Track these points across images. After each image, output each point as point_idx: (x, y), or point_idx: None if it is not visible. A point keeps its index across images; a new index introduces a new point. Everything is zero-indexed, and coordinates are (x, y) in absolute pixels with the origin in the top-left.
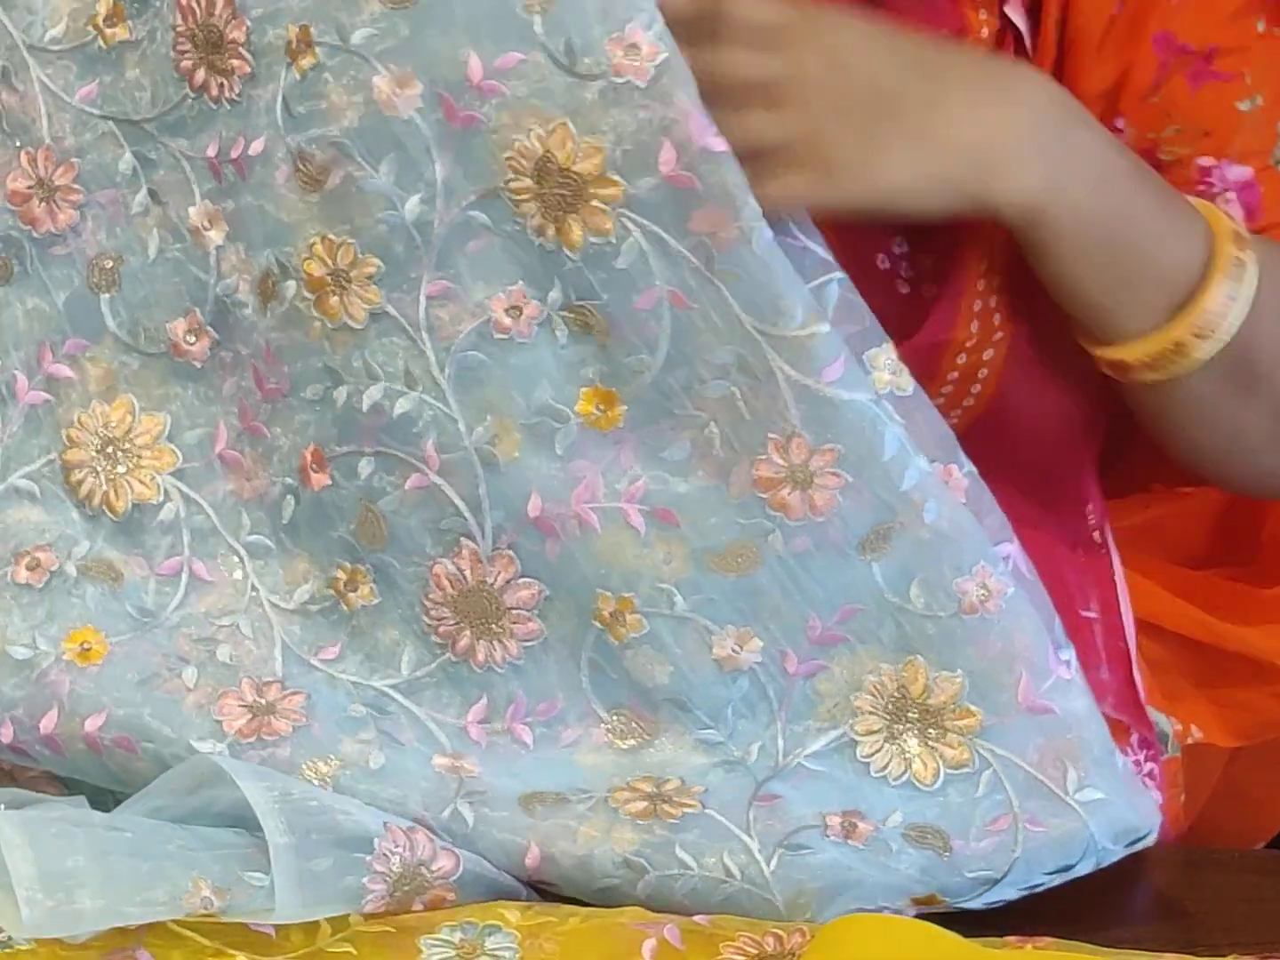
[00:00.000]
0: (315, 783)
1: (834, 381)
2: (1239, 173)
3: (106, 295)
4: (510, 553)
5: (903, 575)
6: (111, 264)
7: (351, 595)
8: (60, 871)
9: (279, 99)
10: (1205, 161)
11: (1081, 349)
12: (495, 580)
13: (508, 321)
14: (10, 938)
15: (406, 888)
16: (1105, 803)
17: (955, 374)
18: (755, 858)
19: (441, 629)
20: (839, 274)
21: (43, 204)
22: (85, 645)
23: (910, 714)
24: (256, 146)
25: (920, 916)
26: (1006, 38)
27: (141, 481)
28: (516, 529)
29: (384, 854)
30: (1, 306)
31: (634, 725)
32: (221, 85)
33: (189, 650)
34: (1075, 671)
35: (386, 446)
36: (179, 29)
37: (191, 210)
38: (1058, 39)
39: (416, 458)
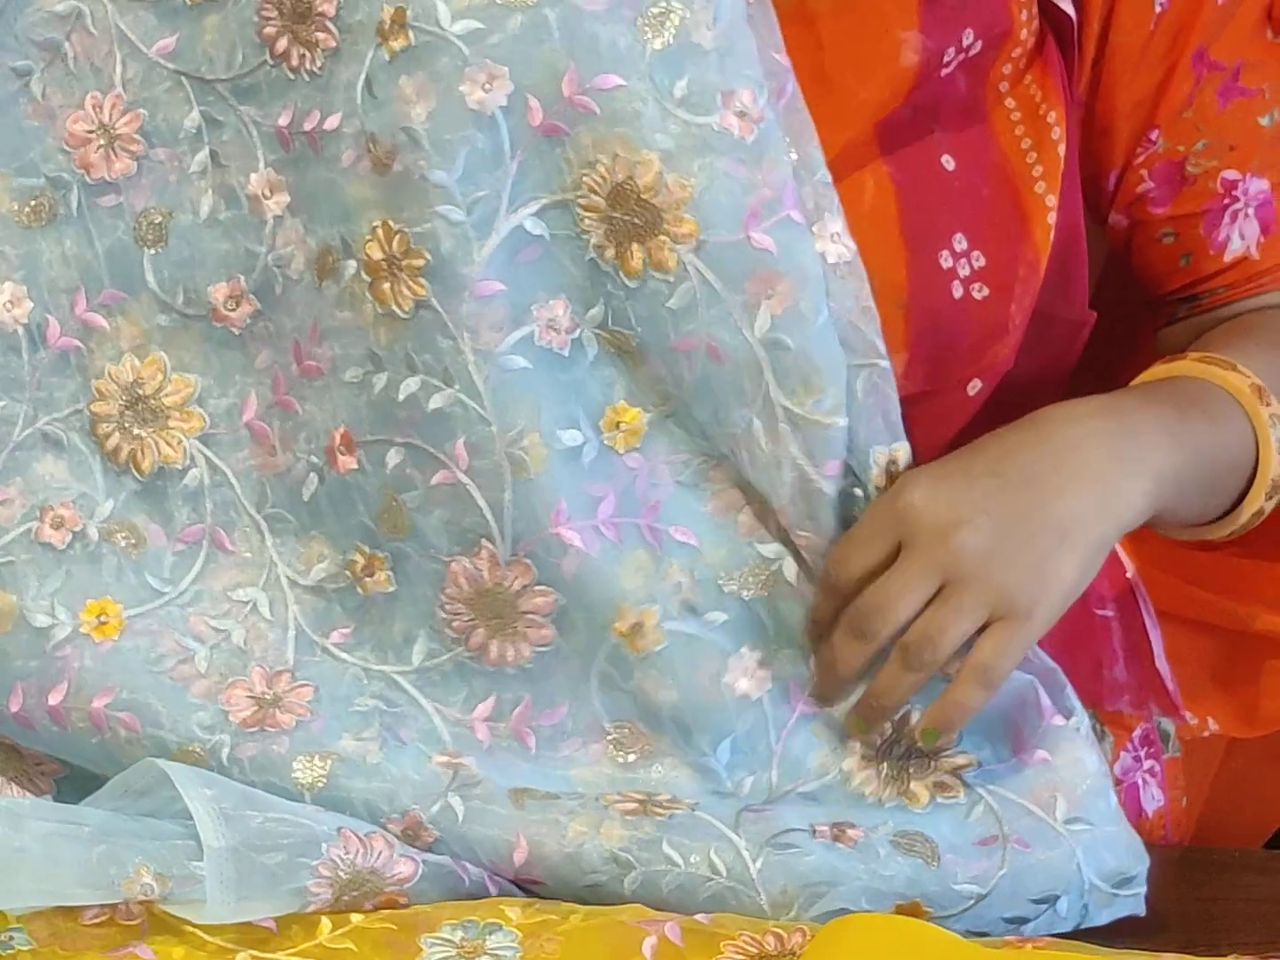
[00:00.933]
0: (306, 780)
1: (831, 476)
2: (1258, 187)
3: (151, 251)
4: (528, 561)
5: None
6: (160, 219)
7: (368, 580)
8: (1, 855)
9: (361, 78)
10: (1231, 175)
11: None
12: (512, 584)
13: (549, 332)
14: (11, 938)
15: (355, 892)
16: (1094, 835)
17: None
18: (742, 855)
19: (456, 623)
20: (883, 362)
21: (100, 150)
22: (103, 618)
23: (906, 756)
24: (332, 122)
25: None
26: (1046, 39)
27: (168, 443)
28: (537, 539)
29: (332, 859)
30: (39, 248)
31: (636, 740)
32: (303, 56)
33: (203, 632)
34: (1077, 721)
35: (417, 439)
36: None
37: (253, 177)
38: (1096, 50)
39: (445, 454)
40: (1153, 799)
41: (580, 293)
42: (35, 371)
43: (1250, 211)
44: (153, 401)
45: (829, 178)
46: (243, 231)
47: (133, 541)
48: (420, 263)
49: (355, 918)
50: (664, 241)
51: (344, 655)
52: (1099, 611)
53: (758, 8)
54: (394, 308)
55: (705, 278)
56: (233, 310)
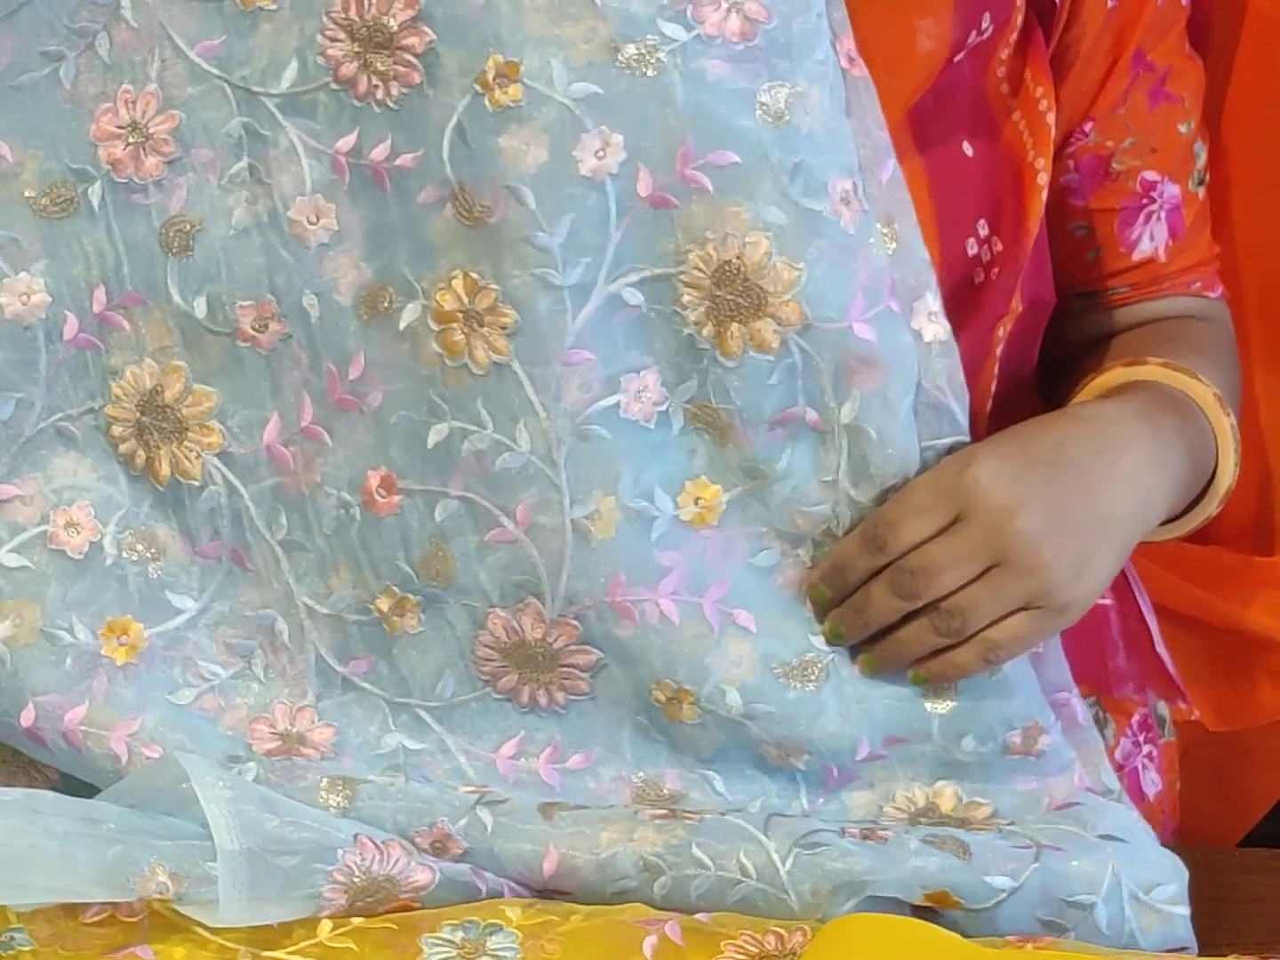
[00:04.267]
0: (335, 802)
1: None
2: (1171, 191)
3: (176, 259)
4: (576, 622)
5: (959, 726)
6: (189, 227)
7: (396, 619)
8: (14, 850)
9: (452, 122)
10: (1150, 176)
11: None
12: (555, 641)
13: (635, 404)
14: (12, 938)
15: (369, 899)
16: (1127, 846)
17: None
18: (772, 857)
19: (487, 668)
20: (965, 437)
21: (129, 148)
22: (123, 639)
23: (939, 823)
24: (407, 160)
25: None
26: (1030, 18)
27: (186, 458)
28: (591, 604)
29: (347, 865)
30: (58, 240)
31: (662, 796)
32: (375, 86)
33: (226, 658)
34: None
35: (476, 494)
36: (334, 13)
37: (300, 200)
38: (1059, 38)
39: (506, 513)
40: (1152, 783)
41: (673, 366)
42: (51, 367)
43: (1163, 215)
44: (171, 411)
45: (928, 255)
46: (279, 252)
47: (152, 553)
48: (507, 321)
49: (356, 918)
50: (768, 324)
51: (366, 685)
52: (1099, 601)
53: (862, 82)
54: (467, 361)
55: (808, 357)
56: (260, 331)
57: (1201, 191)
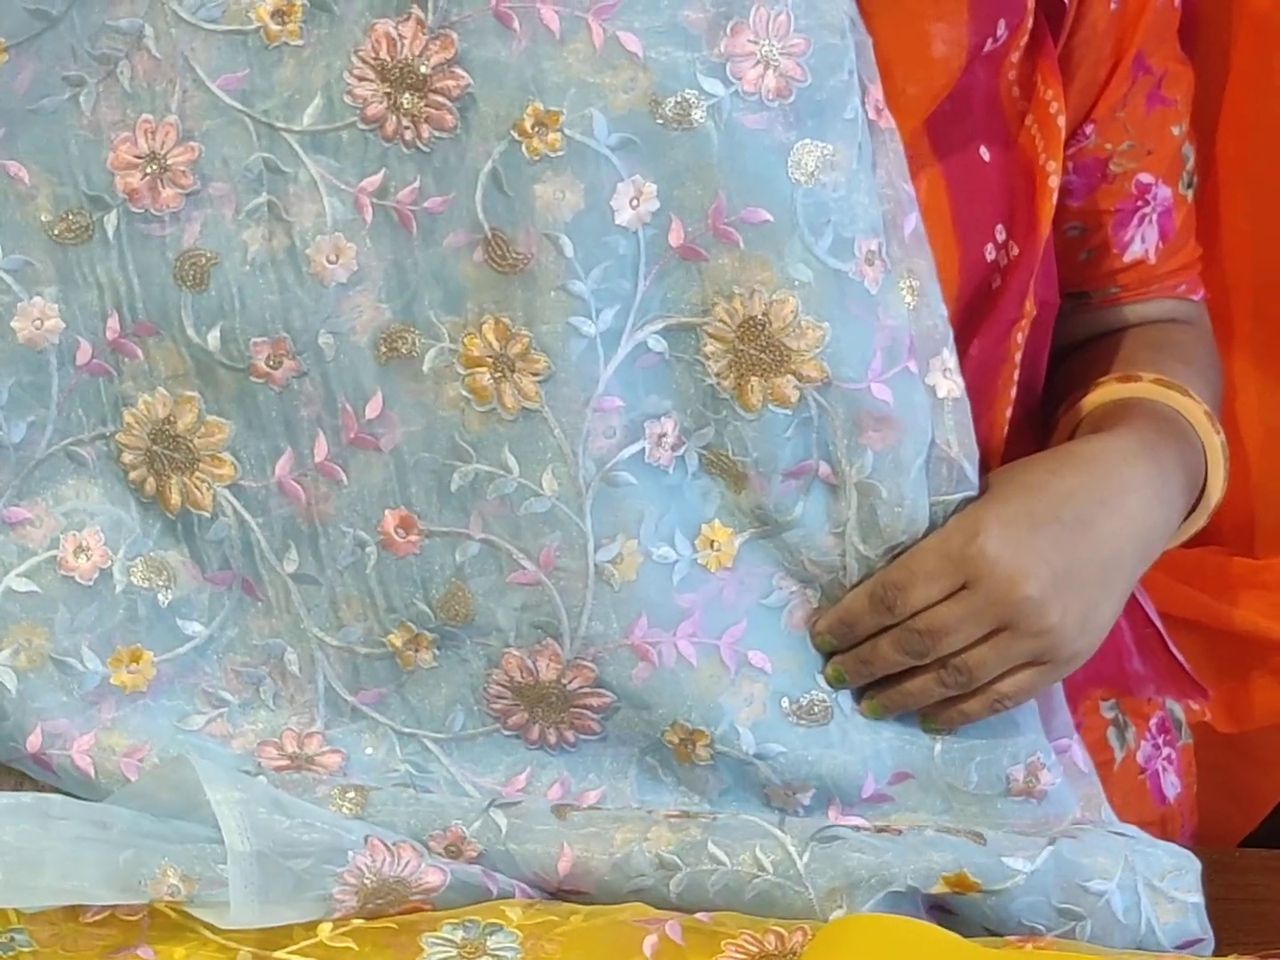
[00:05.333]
0: (346, 809)
1: None
2: (1164, 194)
3: (190, 293)
4: (592, 665)
5: (963, 758)
6: (205, 261)
7: (410, 654)
8: (26, 853)
9: (487, 167)
10: (1145, 179)
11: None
12: (569, 683)
13: (657, 449)
14: (12, 939)
15: (380, 900)
16: (1139, 840)
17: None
18: (789, 851)
19: (498, 705)
20: (973, 491)
21: (146, 178)
22: (132, 667)
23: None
24: (436, 203)
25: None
26: (1039, 20)
27: (198, 489)
28: (609, 647)
29: (358, 868)
30: (72, 266)
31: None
32: (405, 128)
33: (235, 685)
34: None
35: (498, 536)
36: (363, 52)
37: (320, 238)
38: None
39: (529, 555)
40: (1172, 786)
41: (693, 412)
42: (62, 392)
43: (1155, 217)
44: (183, 441)
45: (945, 312)
46: (295, 290)
47: (163, 580)
48: (539, 367)
49: (357, 919)
50: (788, 380)
51: (375, 714)
52: None
53: (888, 132)
54: (495, 406)
55: (824, 413)
56: (274, 368)
57: (1190, 194)
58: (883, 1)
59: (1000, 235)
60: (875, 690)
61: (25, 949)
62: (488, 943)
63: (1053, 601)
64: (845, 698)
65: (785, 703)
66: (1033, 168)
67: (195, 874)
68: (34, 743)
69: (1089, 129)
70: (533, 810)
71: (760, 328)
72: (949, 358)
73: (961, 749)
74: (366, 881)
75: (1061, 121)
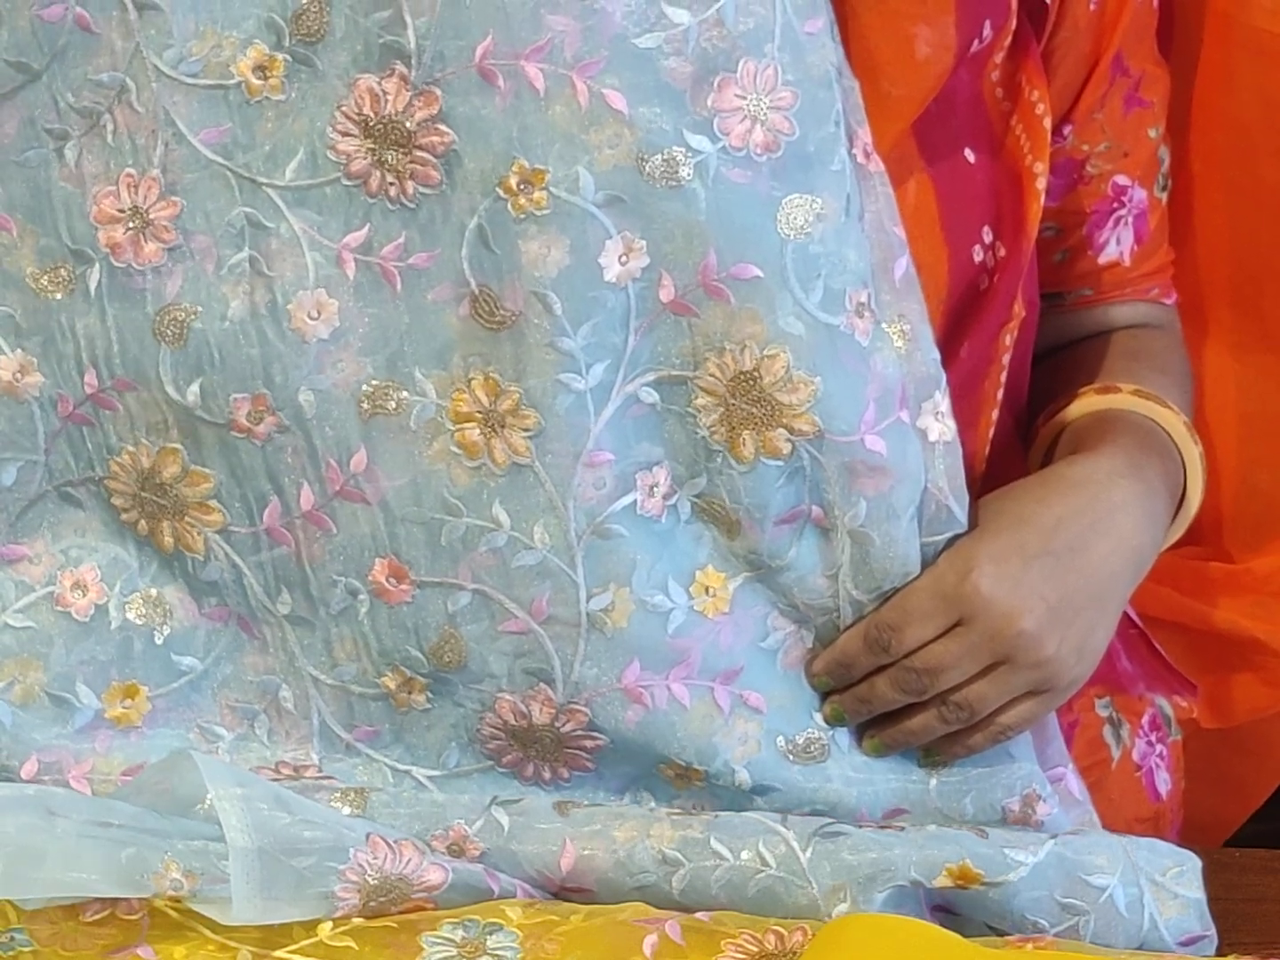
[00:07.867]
0: (347, 811)
1: None
2: (1140, 196)
3: (169, 348)
4: (585, 709)
5: (958, 792)
6: (184, 316)
7: (404, 696)
8: (28, 846)
9: (472, 224)
10: (1122, 181)
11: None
12: (562, 726)
13: (649, 500)
14: (12, 938)
15: (382, 898)
16: (1138, 838)
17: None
18: (792, 846)
19: (492, 745)
20: (961, 529)
21: (129, 233)
22: (126, 703)
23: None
24: (421, 259)
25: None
26: (1021, 20)
27: (188, 533)
28: (602, 692)
29: (359, 865)
30: (51, 320)
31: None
32: (390, 184)
33: (229, 720)
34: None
35: (490, 587)
36: (345, 108)
37: (301, 294)
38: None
39: (521, 606)
40: (1164, 783)
41: (685, 463)
42: (48, 438)
43: (1130, 219)
44: (170, 489)
45: (938, 356)
46: (276, 345)
47: (160, 617)
48: (529, 423)
49: (357, 918)
50: (780, 434)
51: (370, 751)
52: None
53: (878, 176)
54: (486, 461)
55: (816, 463)
56: (255, 424)
57: (1164, 197)
58: (868, 2)
59: (987, 237)
60: (876, 729)
61: (25, 948)
62: (488, 942)
63: (1049, 633)
64: (842, 735)
65: (781, 741)
66: (1019, 169)
67: (197, 870)
68: (29, 770)
69: (1067, 130)
70: (534, 808)
71: (752, 382)
72: (941, 400)
73: (956, 782)
74: (368, 879)
75: (1048, 123)
